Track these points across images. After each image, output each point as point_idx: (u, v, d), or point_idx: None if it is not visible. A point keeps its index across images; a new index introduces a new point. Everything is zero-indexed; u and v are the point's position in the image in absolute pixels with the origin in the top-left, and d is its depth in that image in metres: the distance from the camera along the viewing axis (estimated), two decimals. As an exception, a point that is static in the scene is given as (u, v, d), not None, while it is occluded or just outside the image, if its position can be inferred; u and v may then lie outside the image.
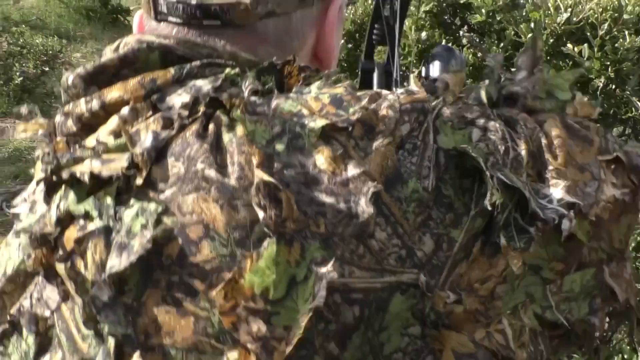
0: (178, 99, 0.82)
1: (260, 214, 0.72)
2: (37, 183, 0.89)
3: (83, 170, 0.80)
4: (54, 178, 0.83)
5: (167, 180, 0.77)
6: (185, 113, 0.80)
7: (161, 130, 0.80)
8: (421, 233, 0.74)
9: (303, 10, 0.94)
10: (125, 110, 0.84)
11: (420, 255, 0.74)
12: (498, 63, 0.90)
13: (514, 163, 0.77)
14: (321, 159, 0.75)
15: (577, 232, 0.78)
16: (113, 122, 0.84)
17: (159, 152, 0.79)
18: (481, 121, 0.80)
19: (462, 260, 0.76)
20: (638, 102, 4.07)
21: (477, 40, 4.51)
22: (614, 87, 4.09)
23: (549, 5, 4.25)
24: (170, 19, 0.90)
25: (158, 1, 0.91)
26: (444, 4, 4.65)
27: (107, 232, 0.78)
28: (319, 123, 0.76)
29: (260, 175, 0.73)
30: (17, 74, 10.11)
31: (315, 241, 0.72)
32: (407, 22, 4.61)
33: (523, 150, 0.78)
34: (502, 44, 4.48)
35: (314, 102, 0.79)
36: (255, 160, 0.74)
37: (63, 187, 0.83)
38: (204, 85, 0.82)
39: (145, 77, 0.85)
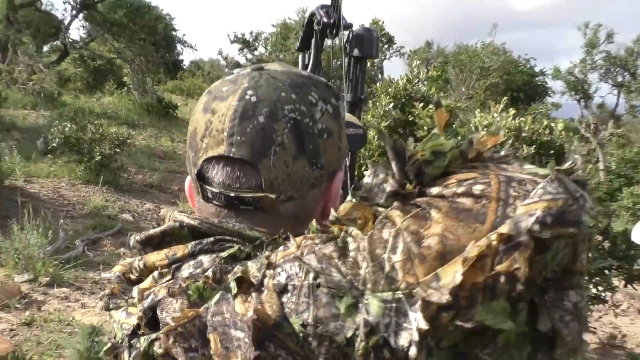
0: (186, 271, 0.80)
1: (190, 355, 0.73)
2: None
3: (115, 319, 0.84)
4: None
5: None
6: (184, 285, 0.77)
7: (163, 295, 0.79)
8: (318, 355, 0.68)
9: (314, 190, 0.90)
10: (155, 273, 0.83)
11: None
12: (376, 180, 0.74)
13: (387, 279, 0.65)
14: (238, 305, 0.72)
15: (480, 319, 0.63)
16: (149, 279, 0.83)
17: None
18: (336, 256, 0.69)
19: None
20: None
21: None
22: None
23: (471, 125, 4.33)
24: (215, 202, 0.88)
25: (206, 190, 0.89)
26: (399, 121, 4.68)
27: (129, 348, 0.81)
28: (234, 276, 0.74)
29: (168, 328, 0.74)
30: (97, 154, 10.22)
31: None
32: (372, 133, 4.66)
33: (398, 261, 0.65)
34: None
35: (255, 267, 0.74)
36: (185, 318, 0.74)
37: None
38: (205, 262, 0.80)
39: (171, 250, 0.84)
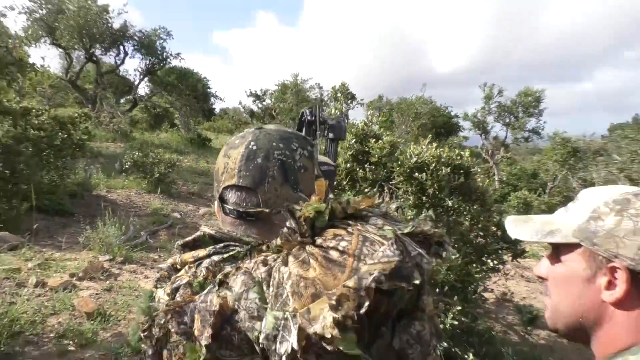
0: (203, 267, 0.80)
1: (181, 327, 0.73)
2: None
3: (158, 295, 0.84)
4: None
5: None
6: (191, 279, 0.78)
7: (184, 282, 0.79)
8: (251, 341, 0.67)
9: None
10: (186, 267, 0.83)
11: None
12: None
13: (282, 302, 0.63)
14: (215, 297, 0.71)
15: (337, 345, 0.59)
16: (183, 270, 0.84)
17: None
18: (264, 277, 0.68)
19: None
20: (447, 199, 4.14)
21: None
22: (437, 192, 4.15)
23: (407, 154, 4.34)
24: (231, 215, 0.89)
25: (225, 207, 0.89)
26: (359, 151, 4.68)
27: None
28: (220, 276, 0.73)
29: (165, 308, 0.76)
30: (156, 172, 10.11)
31: (206, 341, 0.70)
32: (340, 159, 4.65)
33: (289, 292, 0.63)
34: (385, 170, 4.54)
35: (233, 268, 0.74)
36: (184, 302, 0.74)
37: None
38: (214, 261, 0.80)
39: (196, 252, 0.84)
